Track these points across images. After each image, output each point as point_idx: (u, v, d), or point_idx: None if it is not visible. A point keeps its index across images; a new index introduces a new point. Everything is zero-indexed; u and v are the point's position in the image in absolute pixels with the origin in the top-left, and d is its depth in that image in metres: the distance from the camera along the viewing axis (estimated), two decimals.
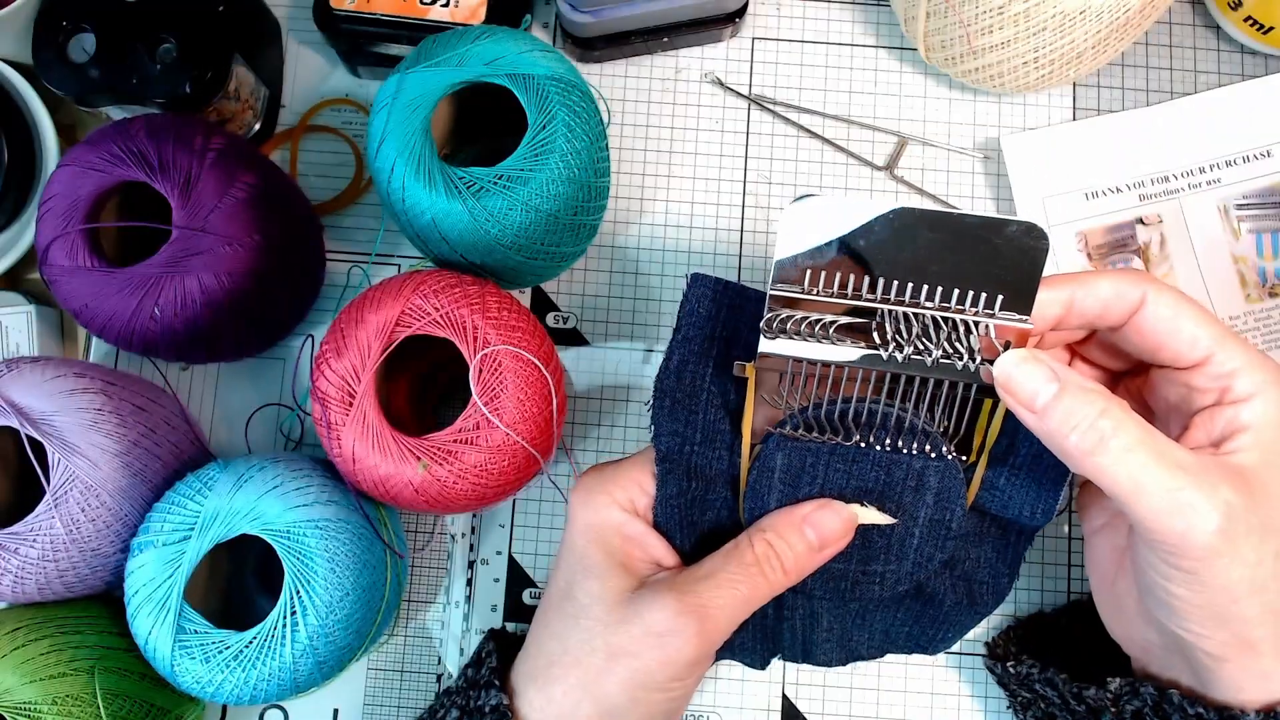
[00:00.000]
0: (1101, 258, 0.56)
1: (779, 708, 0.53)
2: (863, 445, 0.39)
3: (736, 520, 0.41)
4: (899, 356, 0.37)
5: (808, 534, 0.39)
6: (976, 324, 0.36)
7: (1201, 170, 0.57)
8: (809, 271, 0.36)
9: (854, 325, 0.37)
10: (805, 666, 0.53)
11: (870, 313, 0.37)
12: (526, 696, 0.38)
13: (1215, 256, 0.57)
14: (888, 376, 0.38)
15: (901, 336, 0.37)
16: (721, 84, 0.59)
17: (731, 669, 0.53)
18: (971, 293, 0.36)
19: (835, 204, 0.36)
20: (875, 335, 0.37)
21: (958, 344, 0.37)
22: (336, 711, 0.53)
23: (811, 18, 0.59)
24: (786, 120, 0.58)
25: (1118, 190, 0.57)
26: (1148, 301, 0.37)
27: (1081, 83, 0.59)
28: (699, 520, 0.41)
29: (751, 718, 0.53)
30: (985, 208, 0.57)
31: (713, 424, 0.40)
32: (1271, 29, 0.56)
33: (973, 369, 0.37)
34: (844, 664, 0.45)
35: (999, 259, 0.35)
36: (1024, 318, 0.36)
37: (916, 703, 0.53)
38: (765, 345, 0.37)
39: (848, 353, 0.37)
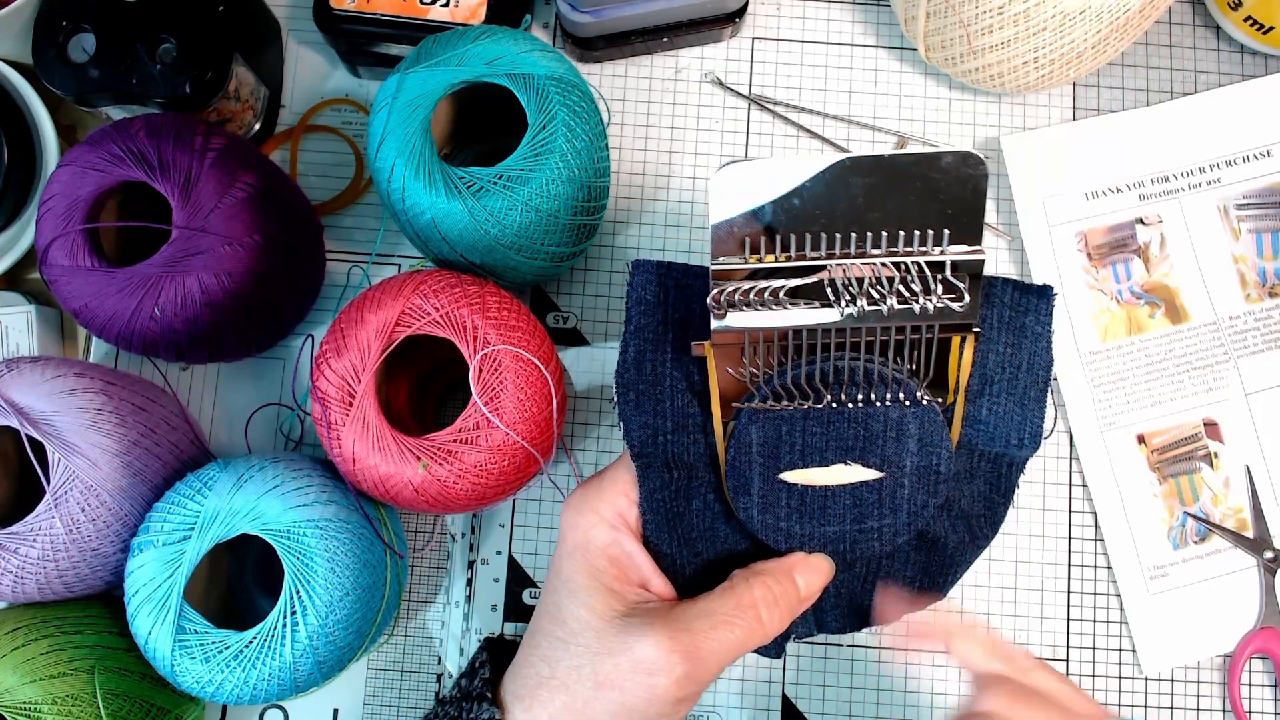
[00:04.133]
0: (1101, 258, 0.56)
1: (779, 708, 0.53)
2: (835, 406, 0.38)
3: (725, 503, 0.41)
4: (854, 311, 0.36)
5: (799, 582, 0.40)
6: (929, 263, 0.35)
7: (1201, 170, 0.57)
8: (747, 240, 0.36)
9: (803, 287, 0.36)
10: (805, 667, 0.53)
11: (818, 271, 0.36)
12: (513, 714, 0.39)
13: (1215, 256, 0.57)
14: (848, 329, 0.37)
15: (853, 290, 0.36)
16: (721, 84, 0.59)
17: (731, 668, 0.53)
18: (918, 233, 0.35)
19: (761, 167, 0.35)
20: (828, 293, 0.36)
21: (912, 286, 0.36)
22: (336, 711, 0.53)
23: (811, 18, 0.59)
24: (786, 120, 0.58)
25: (1118, 190, 0.57)
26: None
27: (1081, 83, 0.59)
28: (686, 510, 0.41)
29: (751, 718, 0.53)
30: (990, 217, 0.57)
31: (682, 409, 0.40)
32: (1271, 29, 0.56)
33: (931, 309, 0.36)
34: (858, 629, 0.45)
35: (939, 194, 0.35)
36: (976, 248, 0.35)
37: (916, 702, 0.53)
38: (716, 323, 0.37)
39: (802, 315, 0.36)
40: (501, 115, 0.48)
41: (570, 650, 0.38)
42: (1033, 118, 0.58)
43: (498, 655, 0.42)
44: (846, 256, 0.36)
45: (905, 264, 0.36)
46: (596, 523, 0.40)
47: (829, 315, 0.36)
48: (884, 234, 0.35)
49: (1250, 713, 0.53)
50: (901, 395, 0.38)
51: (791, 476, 0.40)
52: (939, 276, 0.36)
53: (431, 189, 0.45)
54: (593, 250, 0.57)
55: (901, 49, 0.59)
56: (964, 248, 0.36)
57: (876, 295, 0.36)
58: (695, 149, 0.58)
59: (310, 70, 0.59)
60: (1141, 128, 0.58)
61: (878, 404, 0.38)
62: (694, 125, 0.58)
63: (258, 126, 0.57)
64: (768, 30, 0.59)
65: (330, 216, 0.57)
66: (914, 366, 0.38)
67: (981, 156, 0.34)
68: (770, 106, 0.58)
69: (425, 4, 0.53)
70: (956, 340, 0.38)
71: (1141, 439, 0.55)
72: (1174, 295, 0.56)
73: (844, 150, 0.58)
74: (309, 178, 0.58)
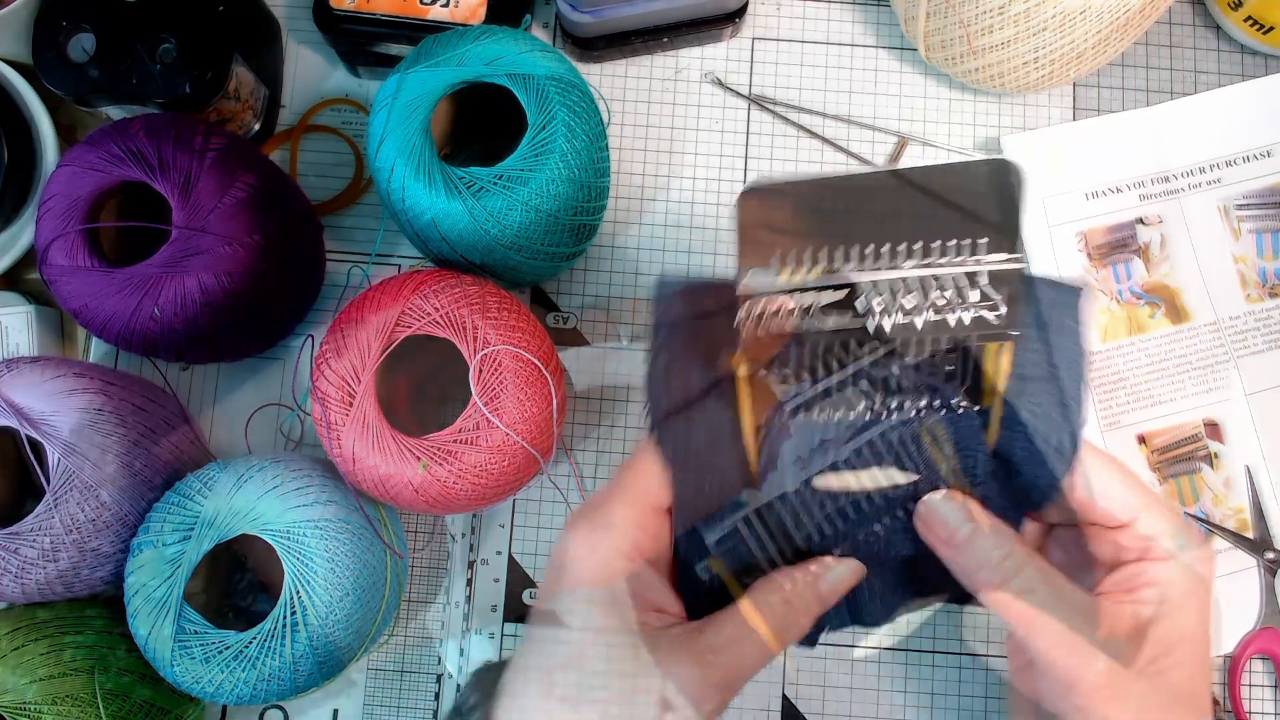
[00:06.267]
0: (1102, 258, 0.56)
1: (779, 708, 0.53)
2: (870, 416, 0.38)
3: (759, 510, 0.41)
4: (888, 325, 0.36)
5: (824, 586, 0.39)
6: (966, 274, 0.35)
7: (1201, 170, 0.57)
8: (776, 256, 0.35)
9: (835, 302, 0.36)
10: (805, 667, 0.53)
11: (850, 285, 0.35)
12: None
13: (1215, 256, 0.57)
14: (882, 340, 0.37)
15: (886, 304, 0.36)
16: (721, 84, 0.59)
17: None
18: (952, 243, 0.35)
19: (788, 183, 0.34)
20: (860, 307, 0.36)
21: (948, 297, 0.36)
22: (336, 711, 0.53)
23: (811, 18, 0.59)
24: (786, 120, 0.58)
25: (1118, 190, 0.57)
26: (1079, 469, 0.38)
27: (1081, 83, 0.59)
28: (724, 518, 0.41)
29: (751, 718, 0.53)
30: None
31: (712, 419, 0.40)
32: (1271, 29, 0.56)
33: (967, 321, 0.36)
34: (890, 621, 0.45)
35: (975, 203, 0.34)
36: (1014, 256, 0.35)
37: (916, 702, 0.53)
38: (746, 337, 0.36)
39: (834, 330, 0.36)
40: (501, 115, 0.48)
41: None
42: (1033, 118, 0.58)
43: (491, 685, 0.42)
44: (879, 270, 0.35)
45: (940, 276, 0.35)
46: (611, 551, 0.39)
47: (862, 330, 0.36)
48: (918, 246, 0.35)
49: (1250, 713, 0.53)
50: (937, 402, 0.38)
51: (824, 482, 0.40)
52: (975, 287, 0.36)
53: (431, 189, 0.45)
54: (593, 250, 0.57)
55: (901, 49, 0.59)
56: (1001, 256, 0.35)
57: (911, 308, 0.36)
58: (695, 149, 0.58)
59: (310, 70, 0.59)
60: (1141, 128, 0.58)
61: (913, 412, 0.38)
62: (694, 125, 0.58)
63: (257, 126, 0.57)
64: (768, 30, 0.59)
65: (330, 216, 0.57)
66: (951, 369, 0.38)
67: (1018, 165, 0.34)
68: (770, 106, 0.58)
69: (425, 4, 0.53)
70: (993, 346, 0.37)
71: (1142, 439, 0.55)
72: (1174, 295, 0.56)
73: (844, 150, 0.58)
74: (309, 178, 0.58)
